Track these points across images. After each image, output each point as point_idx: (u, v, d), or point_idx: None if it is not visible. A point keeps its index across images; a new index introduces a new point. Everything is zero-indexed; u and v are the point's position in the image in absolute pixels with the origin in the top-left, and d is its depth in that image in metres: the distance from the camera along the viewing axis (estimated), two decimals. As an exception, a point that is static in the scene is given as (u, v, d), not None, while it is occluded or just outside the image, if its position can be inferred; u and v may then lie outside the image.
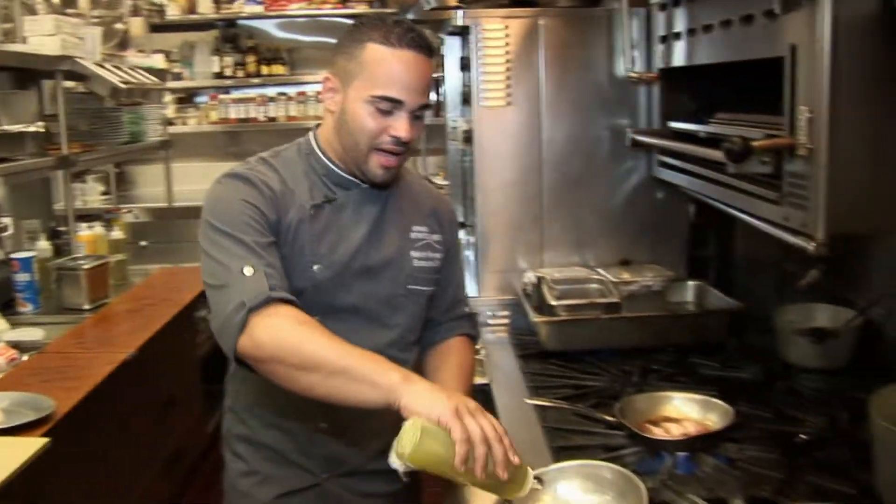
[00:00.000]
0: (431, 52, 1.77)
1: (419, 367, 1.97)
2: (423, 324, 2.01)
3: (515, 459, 1.45)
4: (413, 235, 1.93)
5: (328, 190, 1.84)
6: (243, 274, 1.62)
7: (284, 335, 1.57)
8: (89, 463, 2.63)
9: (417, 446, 1.38)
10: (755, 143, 1.63)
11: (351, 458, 1.93)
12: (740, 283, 3.00)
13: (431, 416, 1.41)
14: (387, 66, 1.71)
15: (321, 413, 1.84)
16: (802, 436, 1.87)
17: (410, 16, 6.17)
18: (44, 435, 2.22)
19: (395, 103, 1.72)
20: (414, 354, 1.97)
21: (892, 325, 2.17)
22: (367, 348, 1.67)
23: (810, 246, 1.56)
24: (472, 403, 1.46)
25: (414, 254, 1.92)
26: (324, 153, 1.86)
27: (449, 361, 1.96)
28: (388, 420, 1.75)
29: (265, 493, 1.93)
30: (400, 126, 1.73)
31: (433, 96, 5.74)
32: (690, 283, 2.80)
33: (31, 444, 2.10)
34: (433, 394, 1.46)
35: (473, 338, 2.08)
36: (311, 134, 1.91)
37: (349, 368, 1.52)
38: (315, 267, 1.79)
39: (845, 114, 1.49)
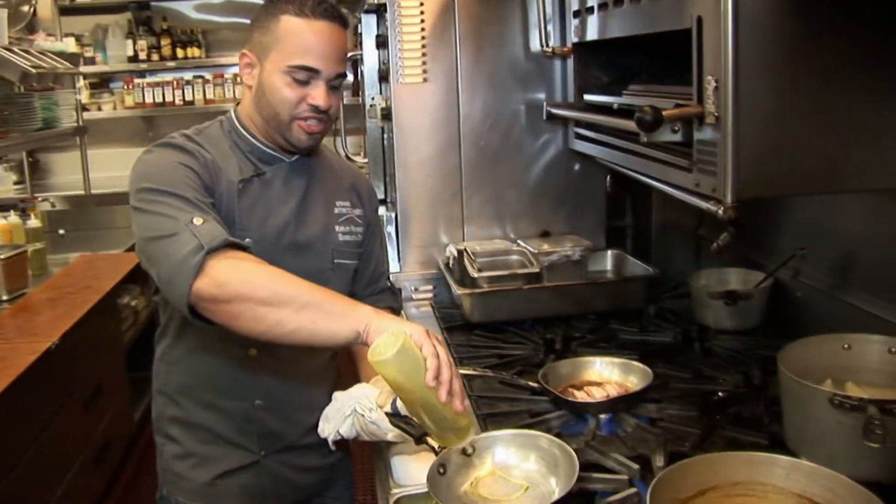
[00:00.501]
0: (345, 23, 1.81)
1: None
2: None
3: (465, 403, 1.51)
4: (337, 210, 1.97)
5: (254, 166, 1.86)
6: (193, 223, 1.61)
7: (248, 272, 1.57)
8: (15, 455, 2.59)
9: (398, 352, 1.42)
10: (666, 113, 1.68)
11: (287, 433, 1.95)
12: (657, 250, 3.09)
13: (405, 331, 1.46)
14: (302, 36, 1.75)
15: (256, 390, 1.90)
16: (720, 393, 1.95)
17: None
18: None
19: (312, 72, 1.76)
20: None
21: (798, 285, 2.26)
22: None
23: (720, 210, 1.62)
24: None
25: (339, 228, 1.96)
26: (246, 129, 1.88)
27: None
28: (320, 394, 1.79)
29: (203, 474, 1.94)
30: (318, 94, 1.78)
31: (350, 76, 5.73)
32: (609, 251, 2.87)
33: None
34: (403, 321, 1.56)
35: (395, 310, 2.13)
36: (231, 112, 1.92)
37: (321, 301, 1.55)
38: (246, 240, 1.75)
39: (749, 82, 1.54)
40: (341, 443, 1.85)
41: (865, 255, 2.05)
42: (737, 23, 1.51)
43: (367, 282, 2.08)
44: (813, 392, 1.51)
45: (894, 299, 1.91)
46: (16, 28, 4.60)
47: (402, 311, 2.66)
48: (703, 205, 1.70)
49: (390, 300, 2.13)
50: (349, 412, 1.73)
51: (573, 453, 1.52)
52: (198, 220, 1.61)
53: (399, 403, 1.60)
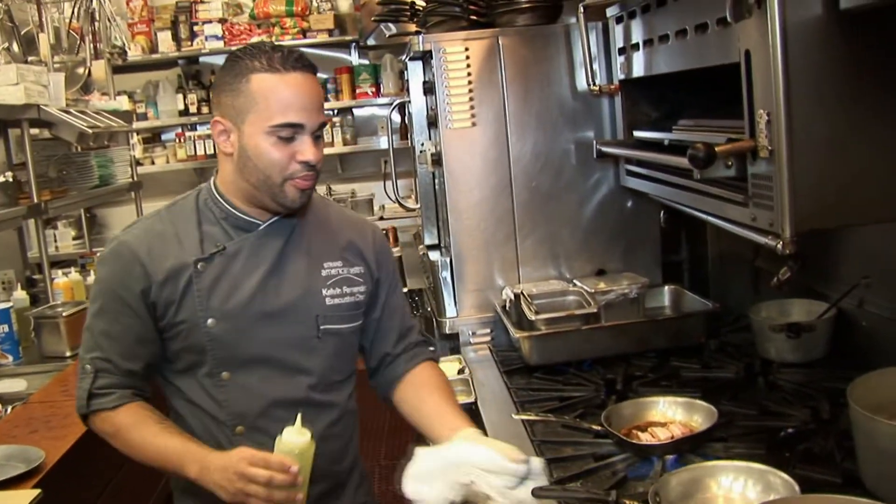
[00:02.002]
0: (315, 70, 1.75)
1: (391, 401, 1.97)
2: (379, 360, 1.99)
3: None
4: (325, 273, 1.87)
5: (226, 236, 1.81)
6: (85, 371, 1.81)
7: (109, 439, 1.81)
8: (91, 499, 2.63)
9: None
10: (718, 149, 1.67)
11: None
12: (714, 283, 3.04)
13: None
14: (278, 93, 1.68)
15: None
16: (788, 429, 1.91)
17: (371, 41, 6.23)
18: (35, 486, 2.21)
19: (296, 128, 1.70)
20: (343, 394, 1.92)
21: (863, 314, 2.21)
22: (283, 397, 1.79)
23: (779, 245, 1.60)
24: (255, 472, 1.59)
25: (327, 292, 1.86)
26: (224, 198, 1.82)
27: (429, 392, 1.91)
28: (319, 462, 1.74)
29: None
30: (306, 150, 1.71)
31: (397, 118, 5.78)
32: (666, 287, 2.84)
33: (24, 497, 2.10)
34: (218, 482, 1.63)
35: (435, 360, 2.06)
36: (210, 181, 1.86)
37: (160, 466, 1.74)
38: (209, 321, 1.76)
39: (801, 113, 1.52)
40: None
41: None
42: (786, 54, 1.49)
43: (395, 339, 1.99)
44: (888, 428, 1.47)
45: (965, 327, 1.86)
46: (72, 89, 4.73)
47: (462, 355, 2.67)
48: (762, 240, 1.67)
49: (427, 353, 2.03)
50: (467, 480, 1.58)
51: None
52: (88, 367, 1.81)
53: None
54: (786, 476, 1.52)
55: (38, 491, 2.14)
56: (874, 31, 1.50)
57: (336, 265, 1.88)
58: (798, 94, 1.52)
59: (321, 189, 7.15)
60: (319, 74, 6.23)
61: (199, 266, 1.77)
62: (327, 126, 6.79)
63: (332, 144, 6.82)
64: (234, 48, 6.49)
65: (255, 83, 1.69)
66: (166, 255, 1.78)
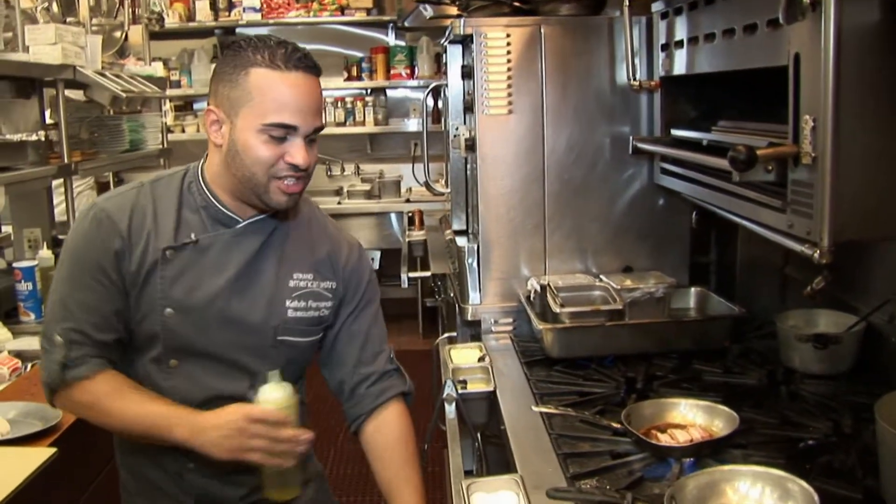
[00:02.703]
0: (318, 72, 1.69)
1: (357, 437, 1.94)
2: (338, 386, 1.94)
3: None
4: (292, 283, 1.82)
5: (203, 227, 1.76)
6: (53, 343, 1.72)
7: (83, 412, 1.78)
8: (95, 472, 2.64)
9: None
10: (760, 152, 1.64)
11: (225, 494, 1.85)
12: (741, 288, 3.01)
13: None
14: (276, 91, 1.62)
15: (187, 453, 1.74)
16: (809, 441, 1.89)
17: (408, 23, 6.22)
18: (51, 445, 2.22)
19: (289, 129, 1.64)
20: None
21: (893, 330, 2.18)
22: (226, 391, 1.76)
23: (815, 254, 1.57)
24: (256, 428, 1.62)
25: (290, 303, 1.81)
26: (207, 187, 1.77)
27: (398, 452, 1.89)
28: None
29: None
30: (296, 153, 1.66)
31: (431, 102, 5.76)
32: (692, 289, 2.81)
33: (40, 454, 2.11)
34: (214, 441, 1.63)
35: (406, 394, 1.97)
36: (198, 165, 1.81)
37: (143, 433, 1.70)
38: (167, 311, 1.73)
39: (848, 122, 1.50)
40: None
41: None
42: (838, 60, 1.47)
43: (356, 362, 1.91)
44: (912, 446, 1.45)
45: None
46: (108, 53, 4.73)
47: (482, 343, 2.66)
48: (797, 247, 1.65)
49: (398, 384, 1.94)
50: None
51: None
52: (57, 339, 1.72)
53: None
54: (805, 484, 1.50)
55: (54, 450, 2.15)
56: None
57: (306, 277, 1.84)
58: (847, 101, 1.50)
59: (350, 168, 7.16)
60: (354, 52, 6.29)
61: (167, 254, 1.73)
62: (359, 105, 6.80)
63: (363, 124, 6.82)
64: (271, 21, 6.56)
65: (254, 77, 1.63)
66: (142, 234, 1.73)
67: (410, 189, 6.79)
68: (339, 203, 6.81)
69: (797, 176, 1.65)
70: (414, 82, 6.80)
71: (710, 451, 1.81)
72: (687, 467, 1.77)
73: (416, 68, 6.75)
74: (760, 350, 2.52)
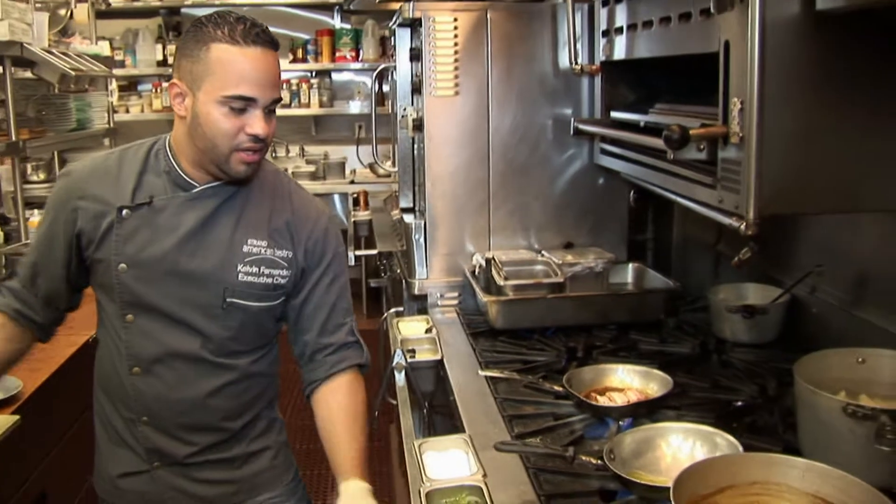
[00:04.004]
0: (276, 46, 1.77)
1: (309, 401, 1.98)
2: (301, 351, 1.99)
3: None
4: (246, 248, 1.87)
5: (163, 189, 1.85)
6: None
7: None
8: (57, 437, 2.70)
9: None
10: (692, 132, 1.76)
11: (174, 452, 1.92)
12: (677, 264, 3.16)
13: None
14: (235, 65, 1.70)
15: (141, 406, 1.89)
16: (738, 403, 2.03)
17: (354, 6, 6.26)
18: (13, 413, 2.28)
19: (249, 101, 1.72)
20: (243, 360, 1.93)
21: (814, 301, 2.34)
22: (179, 350, 1.86)
23: (742, 226, 1.70)
24: None
25: (241, 268, 1.86)
26: (173, 155, 1.86)
27: (343, 412, 1.92)
28: (218, 418, 1.88)
29: (108, 470, 1.97)
30: (256, 123, 1.74)
31: (377, 86, 5.82)
32: (630, 264, 2.95)
33: (4, 421, 2.16)
34: None
35: (362, 366, 2.00)
36: (168, 135, 1.90)
37: None
38: (120, 265, 1.83)
39: (773, 104, 1.61)
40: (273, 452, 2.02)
41: (880, 273, 2.12)
42: (763, 48, 1.58)
43: (318, 331, 1.96)
44: (827, 401, 1.59)
45: (908, 316, 1.98)
46: (52, 31, 4.71)
47: (429, 316, 2.76)
48: (726, 220, 1.77)
49: (354, 356, 1.98)
50: None
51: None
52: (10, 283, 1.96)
53: None
54: (731, 438, 1.64)
55: (17, 417, 2.21)
56: (846, 32, 1.60)
57: (260, 244, 1.88)
58: (771, 85, 1.61)
59: (294, 149, 7.19)
60: (299, 34, 6.31)
61: (123, 213, 1.83)
62: (304, 87, 6.83)
63: (308, 106, 6.85)
64: (216, 2, 6.54)
65: (214, 52, 1.70)
66: (102, 193, 1.85)
67: (355, 171, 6.85)
68: (283, 184, 6.82)
69: (726, 154, 1.76)
70: (359, 65, 6.84)
71: (645, 412, 1.94)
72: (624, 426, 1.90)
73: (361, 51, 6.80)
74: (694, 322, 2.67)
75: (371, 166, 6.61)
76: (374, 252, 3.79)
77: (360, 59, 6.82)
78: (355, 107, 7.01)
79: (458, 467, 1.76)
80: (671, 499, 1.25)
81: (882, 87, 1.65)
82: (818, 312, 2.34)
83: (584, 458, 1.65)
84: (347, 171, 6.90)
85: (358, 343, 2.00)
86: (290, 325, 1.99)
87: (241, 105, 1.72)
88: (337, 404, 1.93)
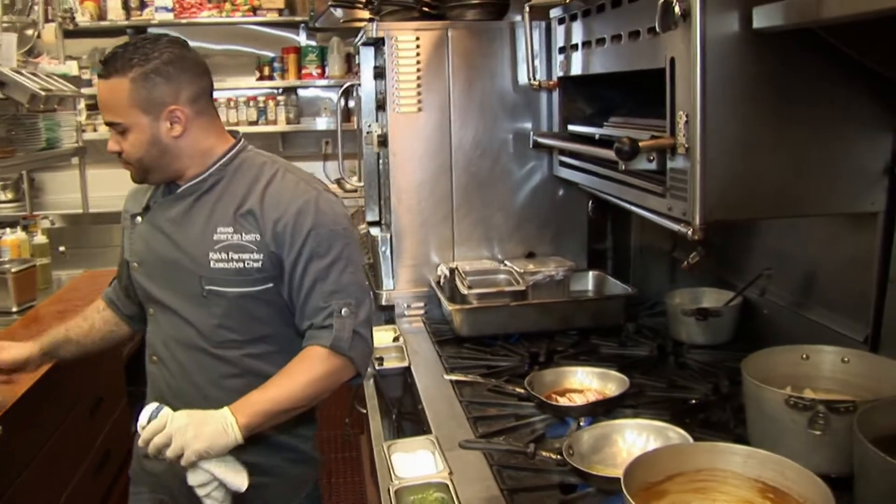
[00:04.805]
0: (108, 74, 1.91)
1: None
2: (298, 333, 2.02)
3: None
4: (216, 237, 1.96)
5: (159, 194, 2.07)
6: None
7: None
8: (26, 458, 2.74)
9: None
10: (642, 144, 1.86)
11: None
12: (635, 271, 3.27)
13: None
14: None
15: (157, 394, 2.08)
16: (692, 401, 2.13)
17: (320, 24, 6.34)
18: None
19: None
20: (238, 353, 2.00)
21: (764, 303, 2.45)
22: (180, 340, 2.03)
23: (689, 232, 1.80)
24: None
25: (213, 255, 1.95)
26: None
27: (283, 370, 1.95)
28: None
29: (138, 449, 2.05)
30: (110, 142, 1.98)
31: (343, 103, 5.88)
32: (590, 272, 3.06)
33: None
34: None
35: (335, 348, 1.94)
36: None
37: None
38: (133, 265, 2.11)
39: (714, 116, 1.72)
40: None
41: (824, 275, 2.23)
42: (704, 63, 1.69)
43: (300, 314, 1.99)
44: (771, 394, 1.69)
45: (849, 315, 2.09)
46: (20, 51, 4.75)
47: (396, 325, 2.84)
48: (675, 227, 1.88)
49: (323, 338, 1.94)
50: None
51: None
52: None
53: None
54: (682, 431, 1.74)
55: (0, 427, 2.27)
56: (783, 49, 1.72)
57: (227, 231, 1.96)
58: (713, 99, 1.72)
59: (262, 165, 7.22)
60: (265, 52, 6.32)
61: (136, 219, 2.09)
62: (270, 105, 6.89)
63: (275, 123, 6.90)
64: (183, 21, 6.59)
65: None
66: (132, 204, 2.14)
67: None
68: (251, 200, 6.88)
69: (674, 164, 1.87)
70: (325, 82, 6.90)
71: (603, 410, 2.04)
72: (584, 425, 1.99)
73: (327, 68, 6.86)
74: (652, 326, 2.77)
75: (338, 182, 6.67)
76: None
77: (326, 75, 6.88)
78: (322, 123, 7.06)
79: (426, 466, 1.84)
80: (622, 487, 1.34)
81: (817, 100, 1.78)
82: (769, 313, 2.45)
83: (544, 453, 1.75)
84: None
85: (331, 328, 1.94)
86: (292, 311, 2.02)
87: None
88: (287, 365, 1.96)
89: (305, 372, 1.92)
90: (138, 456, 2.13)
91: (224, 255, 1.95)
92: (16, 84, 3.93)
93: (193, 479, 1.81)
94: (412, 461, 1.87)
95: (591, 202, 3.04)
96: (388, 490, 1.72)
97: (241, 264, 1.95)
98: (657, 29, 1.80)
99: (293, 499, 2.12)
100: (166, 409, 1.82)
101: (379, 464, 1.87)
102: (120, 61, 1.88)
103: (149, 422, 1.80)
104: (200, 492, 1.82)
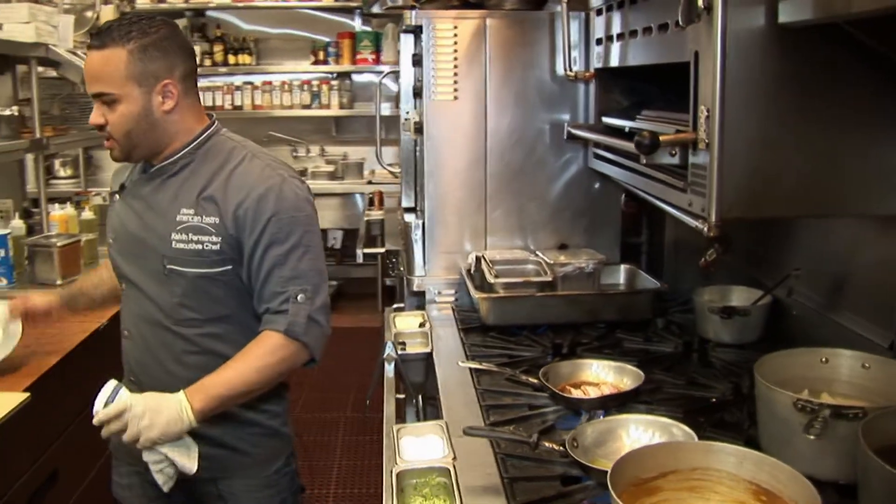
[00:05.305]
0: (105, 44, 1.94)
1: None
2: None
3: None
4: (178, 218, 2.02)
5: (136, 174, 2.14)
6: None
7: None
8: (64, 424, 2.83)
9: None
10: (663, 138, 1.85)
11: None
12: (669, 267, 3.24)
13: None
14: None
15: (128, 367, 2.19)
16: (713, 399, 2.11)
17: (375, 9, 6.37)
18: (25, 390, 2.40)
19: (91, 96, 1.99)
20: (197, 331, 2.06)
21: (793, 303, 2.41)
22: (145, 316, 2.09)
23: (705, 228, 1.78)
24: None
25: (175, 236, 2.01)
26: None
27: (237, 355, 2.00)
28: (178, 386, 1.98)
29: None
30: (92, 115, 2.00)
31: (395, 88, 5.91)
32: (622, 266, 3.03)
33: (13, 399, 2.29)
34: None
35: (290, 333, 1.98)
36: None
37: None
38: (110, 240, 2.18)
39: (735, 112, 1.69)
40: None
41: (853, 278, 2.19)
42: (724, 57, 1.66)
43: (258, 298, 2.04)
44: (781, 397, 1.66)
45: (875, 320, 2.05)
46: (80, 32, 4.86)
47: (425, 312, 2.86)
48: (693, 223, 1.86)
49: (279, 323, 1.99)
50: None
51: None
52: None
53: None
54: (687, 428, 1.72)
55: (27, 395, 2.33)
56: (808, 44, 1.68)
57: (189, 212, 2.02)
58: (733, 94, 1.69)
59: (315, 149, 7.32)
60: (321, 37, 6.39)
61: (115, 197, 2.19)
62: (324, 89, 6.95)
63: (328, 107, 6.97)
64: (240, 4, 6.68)
65: None
66: (115, 182, 2.25)
67: (374, 171, 6.96)
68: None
69: (696, 160, 1.85)
70: (380, 67, 6.95)
71: (617, 404, 2.02)
72: (598, 418, 1.98)
73: (382, 54, 6.91)
74: (681, 323, 2.74)
75: (391, 167, 6.72)
76: (380, 250, 3.90)
77: (380, 61, 6.92)
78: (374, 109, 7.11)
79: (433, 451, 1.85)
80: (608, 482, 1.33)
81: (843, 97, 1.73)
82: (798, 314, 2.41)
83: (547, 444, 1.74)
84: (366, 172, 7.01)
85: (285, 313, 1.99)
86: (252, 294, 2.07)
87: (92, 99, 1.99)
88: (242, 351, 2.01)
89: (261, 357, 1.98)
90: None
91: (184, 237, 2.01)
92: (70, 64, 4.03)
93: (148, 456, 1.92)
94: (420, 445, 1.88)
95: (623, 195, 3.02)
96: (391, 472, 1.74)
97: (199, 246, 2.01)
98: (679, 22, 1.79)
99: (261, 473, 2.17)
100: (123, 392, 1.88)
101: (386, 446, 1.89)
102: (117, 32, 1.94)
103: (105, 405, 1.87)
104: (154, 468, 1.92)
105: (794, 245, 2.46)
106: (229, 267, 2.02)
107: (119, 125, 1.98)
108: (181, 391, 1.91)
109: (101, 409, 1.87)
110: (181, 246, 2.01)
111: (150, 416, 1.85)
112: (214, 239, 2.00)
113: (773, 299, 2.48)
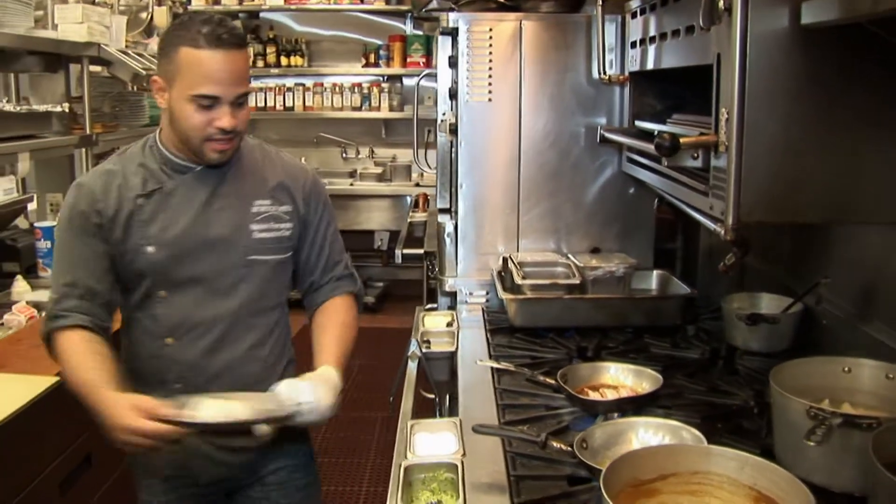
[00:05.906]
0: (241, 44, 1.95)
1: (308, 326, 2.22)
2: (307, 287, 2.25)
3: None
4: (254, 210, 2.09)
5: (166, 176, 2.03)
6: (52, 298, 2.02)
7: (59, 362, 1.99)
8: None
9: None
10: (683, 140, 1.84)
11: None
12: (702, 273, 3.20)
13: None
14: (199, 67, 1.89)
15: (174, 375, 2.08)
16: (734, 406, 2.08)
17: (424, 13, 6.39)
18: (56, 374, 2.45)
19: (214, 99, 1.91)
20: (275, 317, 2.17)
21: (823, 312, 2.36)
22: (213, 316, 2.06)
23: (723, 231, 1.76)
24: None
25: (254, 227, 2.09)
26: (164, 145, 2.05)
27: (332, 319, 2.19)
28: (241, 380, 2.04)
29: None
30: (222, 118, 1.93)
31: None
32: (655, 271, 3.00)
33: (42, 382, 2.35)
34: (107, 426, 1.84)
35: (357, 295, 2.29)
36: (157, 130, 2.10)
37: (81, 397, 1.90)
38: (148, 248, 2.02)
39: (755, 114, 1.68)
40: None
41: (885, 287, 2.14)
42: (744, 59, 1.65)
43: (321, 270, 2.23)
44: (795, 405, 1.64)
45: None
46: (135, 32, 4.98)
47: (455, 312, 2.87)
48: (712, 226, 1.84)
49: (349, 285, 2.26)
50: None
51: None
52: (52, 294, 2.02)
53: None
54: (697, 432, 1.71)
55: (56, 378, 2.40)
56: (831, 46, 1.66)
57: (265, 203, 2.11)
58: (754, 96, 1.67)
59: (364, 151, 7.38)
60: (372, 40, 6.47)
61: (139, 201, 2.01)
62: (375, 91, 7.00)
63: (378, 109, 7.02)
64: (293, 7, 6.76)
65: (182, 55, 1.91)
66: (112, 192, 2.02)
67: (422, 174, 6.99)
68: (351, 185, 7.06)
69: (717, 163, 1.83)
70: (430, 70, 6.98)
71: (633, 408, 2.01)
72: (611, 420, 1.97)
73: (433, 57, 6.94)
74: (711, 329, 2.71)
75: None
76: (419, 251, 3.91)
77: (431, 64, 6.95)
78: (424, 111, 7.15)
79: (446, 447, 1.86)
80: (600, 482, 1.33)
81: (869, 100, 1.70)
82: (828, 324, 2.37)
83: (555, 444, 1.74)
84: (414, 174, 7.05)
85: (352, 276, 2.29)
86: (300, 270, 2.23)
87: (208, 102, 1.93)
88: (334, 315, 2.21)
89: (355, 317, 2.24)
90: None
91: (265, 226, 2.12)
92: (121, 63, 4.14)
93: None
94: (433, 441, 1.89)
95: (657, 200, 2.99)
96: (401, 465, 1.75)
97: (278, 233, 2.13)
98: (701, 24, 1.77)
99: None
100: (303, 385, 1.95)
101: (399, 440, 1.90)
102: (237, 31, 1.97)
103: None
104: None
105: (826, 253, 2.42)
106: (292, 253, 2.18)
107: (245, 124, 2.02)
108: (326, 366, 2.02)
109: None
110: (262, 235, 2.10)
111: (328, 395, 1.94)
112: (289, 226, 2.14)
113: (803, 308, 2.44)
